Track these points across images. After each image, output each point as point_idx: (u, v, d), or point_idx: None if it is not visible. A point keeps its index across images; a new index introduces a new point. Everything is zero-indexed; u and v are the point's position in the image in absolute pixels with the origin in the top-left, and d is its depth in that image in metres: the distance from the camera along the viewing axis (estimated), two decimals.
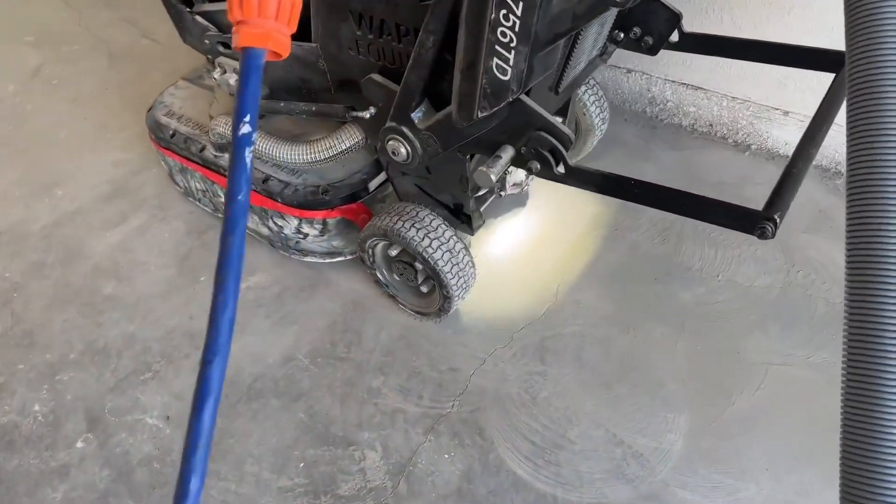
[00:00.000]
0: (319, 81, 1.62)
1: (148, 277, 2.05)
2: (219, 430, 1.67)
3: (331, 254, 1.96)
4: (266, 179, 1.83)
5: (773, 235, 1.28)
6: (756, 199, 2.09)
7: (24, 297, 2.03)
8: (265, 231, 2.00)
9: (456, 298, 1.72)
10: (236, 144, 0.81)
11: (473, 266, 1.74)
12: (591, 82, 2.06)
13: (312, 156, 1.69)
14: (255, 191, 1.82)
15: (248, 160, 0.78)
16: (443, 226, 1.67)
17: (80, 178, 2.43)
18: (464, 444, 1.60)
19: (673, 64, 2.24)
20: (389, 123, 1.46)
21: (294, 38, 0.88)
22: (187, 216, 2.23)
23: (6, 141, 2.64)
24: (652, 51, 1.59)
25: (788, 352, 1.70)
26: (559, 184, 1.40)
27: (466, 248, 1.70)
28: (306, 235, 1.89)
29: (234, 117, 0.80)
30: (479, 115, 1.26)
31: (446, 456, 1.59)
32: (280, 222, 1.89)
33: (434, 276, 1.68)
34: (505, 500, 1.50)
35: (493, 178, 1.37)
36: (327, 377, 1.76)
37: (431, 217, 1.67)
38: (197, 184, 2.13)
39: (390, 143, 1.49)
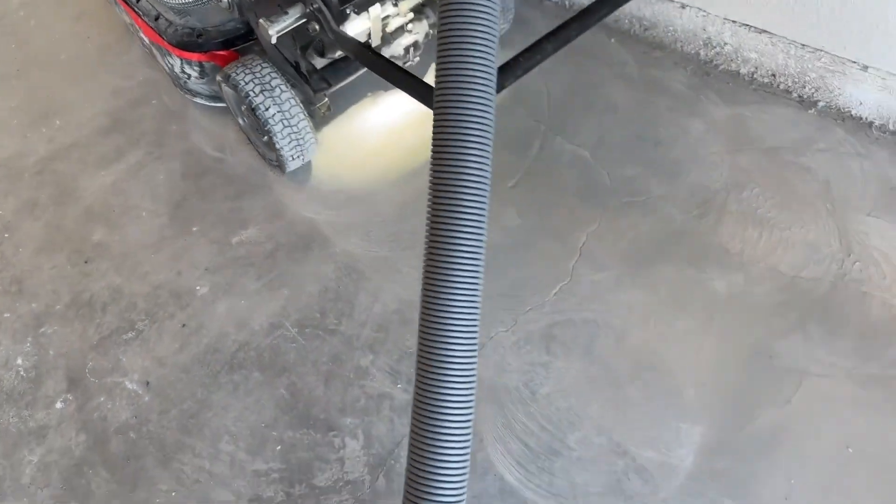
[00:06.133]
0: None
1: (139, 225, 1.93)
2: (197, 402, 1.59)
3: (215, 98, 2.06)
4: (157, 17, 1.93)
5: None
6: (815, 167, 1.81)
7: (15, 240, 1.94)
8: (166, 69, 2.10)
9: (289, 159, 1.85)
10: None
11: (312, 133, 1.83)
12: None
13: None
14: (148, 26, 1.96)
15: None
16: (281, 86, 1.73)
17: (78, 108, 2.28)
18: None
19: (736, 2, 1.90)
20: None
21: None
22: (185, 157, 2.08)
23: (7, 59, 2.50)
24: None
25: (830, 360, 1.49)
26: None
27: (304, 112, 1.78)
28: (189, 76, 2.00)
29: None
30: None
31: None
32: (171, 61, 2.00)
33: (263, 129, 1.77)
34: None
35: (272, 32, 1.50)
36: (314, 351, 1.64)
37: (272, 74, 1.74)
38: (126, 17, 2.25)
39: None
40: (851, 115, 1.89)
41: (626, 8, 2.15)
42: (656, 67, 2.10)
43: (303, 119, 1.79)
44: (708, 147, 1.88)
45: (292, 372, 1.61)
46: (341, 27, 1.69)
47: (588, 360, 1.56)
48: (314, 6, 1.51)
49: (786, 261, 1.64)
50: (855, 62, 1.80)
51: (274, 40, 1.54)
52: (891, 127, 1.84)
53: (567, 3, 2.32)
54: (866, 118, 1.87)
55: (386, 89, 2.12)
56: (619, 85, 2.07)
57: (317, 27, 1.54)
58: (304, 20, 1.55)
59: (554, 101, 2.06)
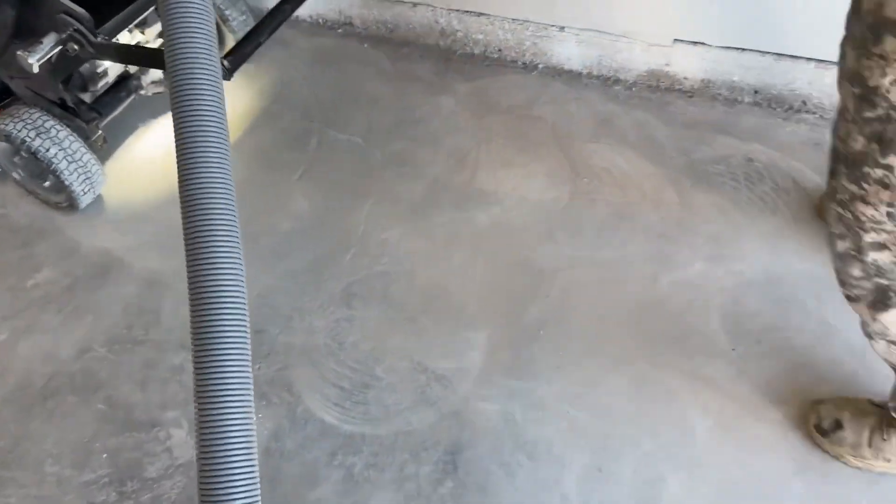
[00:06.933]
0: None
1: None
2: (12, 437, 1.58)
3: None
4: None
5: None
6: (544, 116, 2.16)
7: None
8: None
9: (81, 195, 1.90)
10: None
11: (98, 165, 1.91)
12: None
13: None
14: None
15: None
16: (56, 126, 1.79)
17: None
18: (272, 404, 1.59)
19: None
20: None
21: None
22: None
23: None
24: None
25: (575, 255, 1.79)
26: None
27: (85, 146, 1.84)
28: None
29: None
30: None
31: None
32: None
33: (48, 172, 1.82)
34: (313, 450, 1.51)
35: (32, 61, 1.54)
36: (126, 363, 1.68)
37: (44, 117, 1.79)
38: None
39: None
40: (565, 70, 2.28)
41: (371, 15, 2.44)
42: (406, 61, 2.39)
43: (86, 153, 1.85)
44: (458, 117, 2.18)
45: (107, 386, 1.65)
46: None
47: (385, 305, 1.74)
48: (71, 28, 1.57)
49: (531, 189, 1.95)
50: (553, 25, 2.19)
51: (36, 69, 1.56)
52: (595, 73, 2.24)
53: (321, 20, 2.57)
54: (576, 70, 2.26)
55: (154, 117, 2.23)
56: (377, 80, 2.33)
57: (76, 47, 1.59)
58: (61, 45, 1.61)
59: (322, 102, 2.27)
